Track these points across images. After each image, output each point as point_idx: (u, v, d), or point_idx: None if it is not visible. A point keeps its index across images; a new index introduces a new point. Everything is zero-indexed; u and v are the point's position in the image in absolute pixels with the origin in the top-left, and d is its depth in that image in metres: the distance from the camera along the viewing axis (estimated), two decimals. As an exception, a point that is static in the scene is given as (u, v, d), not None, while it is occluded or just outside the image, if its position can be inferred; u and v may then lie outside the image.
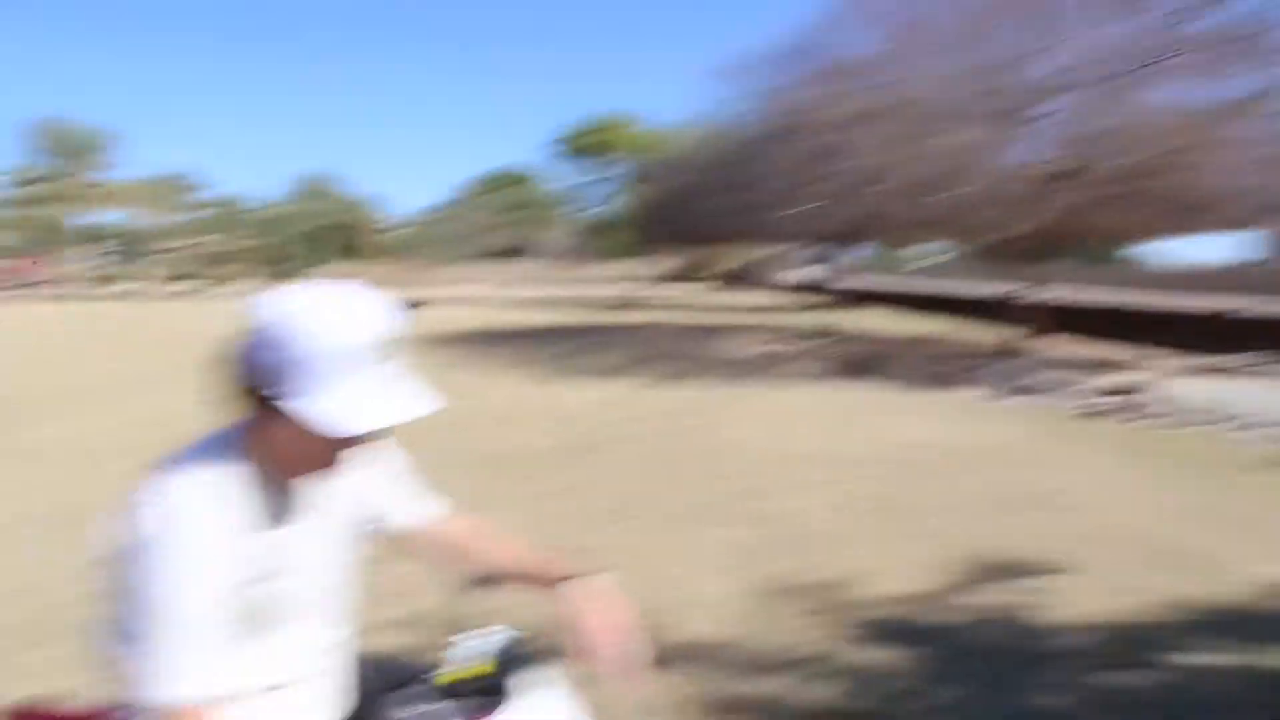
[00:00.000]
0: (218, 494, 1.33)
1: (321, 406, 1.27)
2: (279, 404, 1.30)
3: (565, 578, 1.61)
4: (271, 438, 1.36)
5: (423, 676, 1.50)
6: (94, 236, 62.42)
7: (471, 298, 41.59)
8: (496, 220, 69.91)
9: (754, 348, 17.03)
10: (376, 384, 1.30)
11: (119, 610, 1.32)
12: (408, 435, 5.59)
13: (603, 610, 1.54)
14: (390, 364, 1.33)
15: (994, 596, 4.21)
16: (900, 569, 4.58)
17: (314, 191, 78.17)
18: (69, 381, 12.40)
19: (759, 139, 19.23)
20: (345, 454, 1.37)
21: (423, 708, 1.39)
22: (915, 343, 18.21)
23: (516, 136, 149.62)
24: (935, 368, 13.55)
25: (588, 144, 39.17)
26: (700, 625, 3.87)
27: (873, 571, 4.53)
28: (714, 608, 4.07)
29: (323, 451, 1.35)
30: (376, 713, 1.57)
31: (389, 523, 1.74)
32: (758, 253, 47.28)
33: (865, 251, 42.80)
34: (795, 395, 10.81)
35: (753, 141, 19.62)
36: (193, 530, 1.29)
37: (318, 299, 1.29)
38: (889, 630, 3.81)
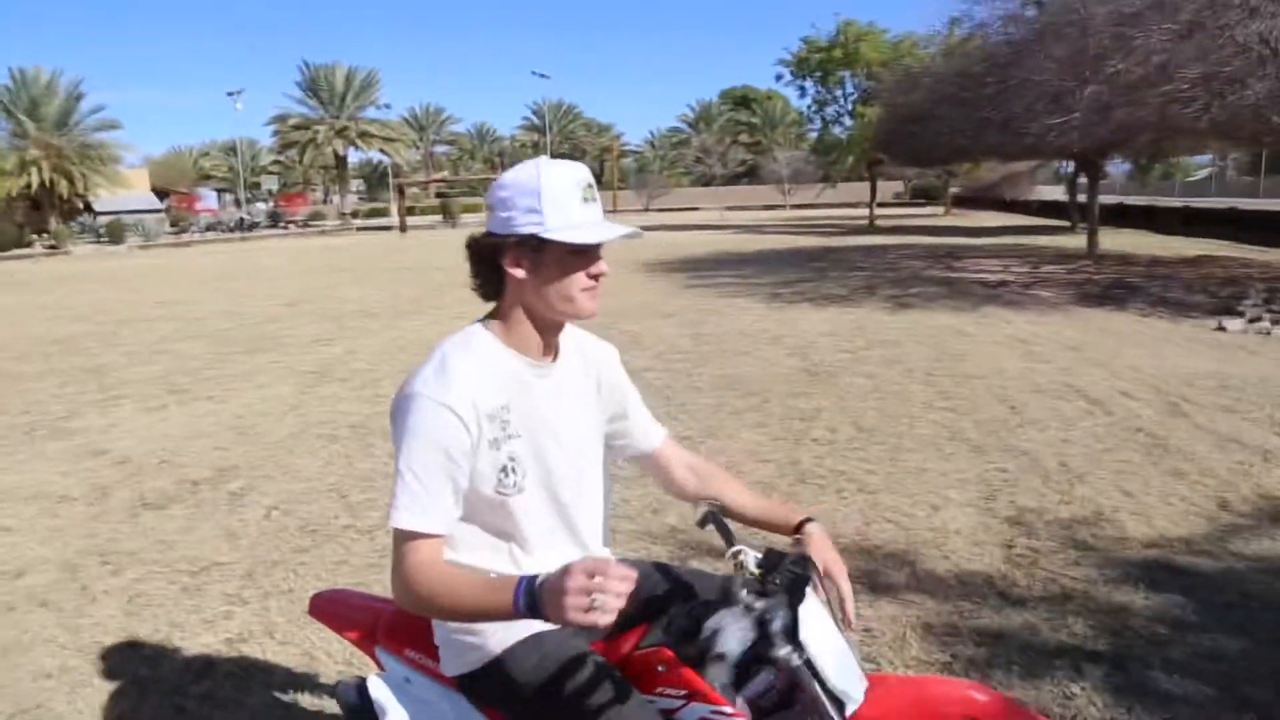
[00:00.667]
0: (473, 363, 1.60)
1: (564, 227, 1.57)
2: (534, 238, 1.57)
3: (804, 521, 1.79)
4: (525, 289, 1.63)
5: (730, 576, 1.63)
6: (353, 174, 67.75)
7: (704, 221, 41.85)
8: (728, 143, 69.44)
9: (1000, 272, 16.12)
10: (595, 215, 1.62)
11: (396, 454, 1.56)
12: (655, 359, 5.96)
13: (831, 554, 1.72)
14: (597, 207, 1.63)
15: (1277, 544, 3.91)
16: (1166, 508, 4.33)
17: (556, 119, 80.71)
18: (336, 309, 13.82)
19: (1011, 45, 17.82)
20: (587, 285, 1.63)
21: (730, 613, 1.49)
22: (1179, 265, 16.53)
23: (748, 57, 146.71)
24: (1202, 293, 12.28)
25: (822, 61, 37.66)
26: (949, 556, 3.88)
27: (1135, 510, 4.32)
28: (964, 539, 4.05)
29: (569, 282, 1.61)
30: (680, 612, 1.72)
31: (628, 439, 1.93)
32: (1003, 170, 44.16)
33: (1123, 165, 38.95)
34: (1045, 322, 10.19)
35: (1004, 49, 18.20)
36: (447, 390, 1.54)
37: (541, 162, 1.62)
38: (1152, 572, 3.64)
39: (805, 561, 1.62)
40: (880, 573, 3.71)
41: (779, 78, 40.96)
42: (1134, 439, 5.48)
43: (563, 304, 1.63)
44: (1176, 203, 32.50)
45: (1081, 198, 25.32)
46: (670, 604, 1.73)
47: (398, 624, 1.92)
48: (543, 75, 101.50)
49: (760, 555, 1.67)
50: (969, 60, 20.80)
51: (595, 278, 1.64)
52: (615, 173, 77.71)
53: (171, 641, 3.38)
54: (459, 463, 1.55)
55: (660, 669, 1.64)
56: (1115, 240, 22.03)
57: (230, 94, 61.15)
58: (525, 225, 1.57)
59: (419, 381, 1.57)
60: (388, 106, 68.94)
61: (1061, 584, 3.56)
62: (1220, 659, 2.97)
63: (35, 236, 42.32)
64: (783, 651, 1.51)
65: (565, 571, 1.32)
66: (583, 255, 1.61)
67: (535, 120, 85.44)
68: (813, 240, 27.12)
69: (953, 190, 49.23)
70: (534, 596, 1.37)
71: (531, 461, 1.65)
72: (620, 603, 1.30)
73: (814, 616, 1.57)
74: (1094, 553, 3.85)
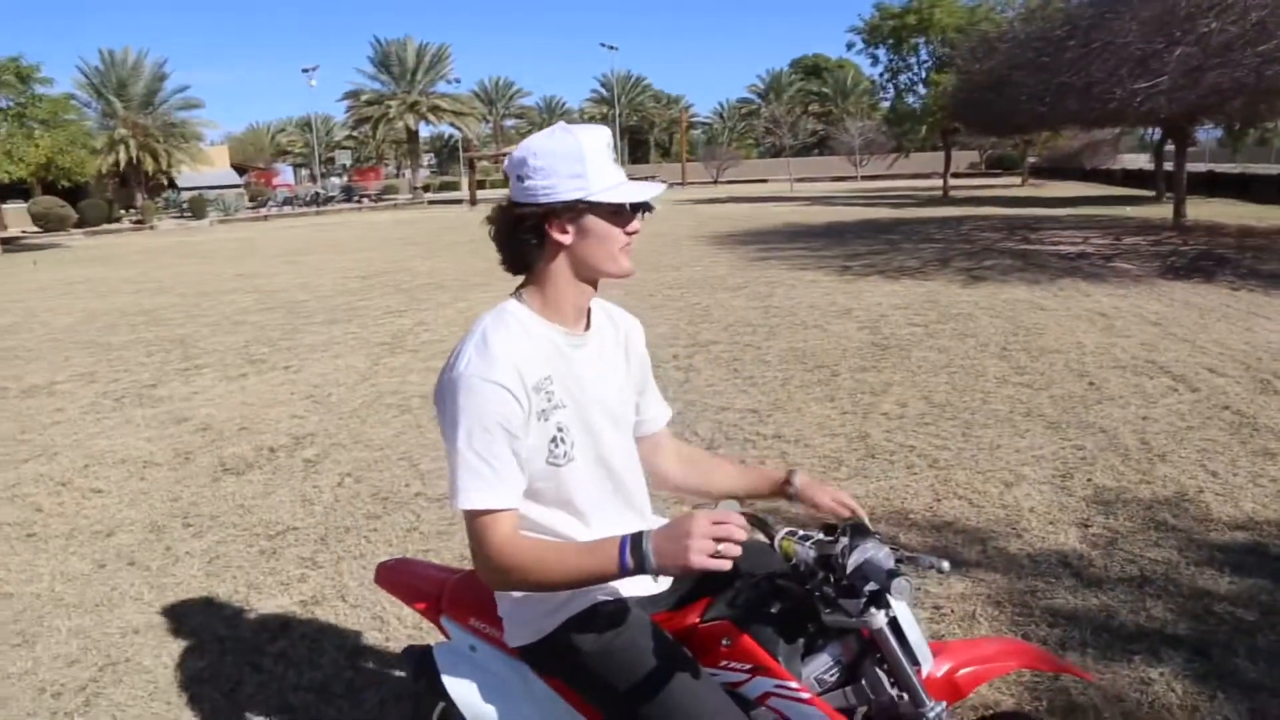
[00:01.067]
0: (513, 338, 1.60)
1: (608, 188, 1.59)
2: (581, 202, 1.58)
3: (788, 475, 1.92)
4: (570, 253, 1.63)
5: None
6: (425, 148, 68.42)
7: (774, 193, 41.39)
8: (798, 113, 68.33)
9: (1079, 244, 15.61)
10: (623, 175, 1.64)
11: (444, 439, 1.58)
12: (723, 332, 5.91)
13: (829, 488, 1.89)
14: (620, 168, 1.64)
15: (1375, 529, 3.72)
16: (1255, 489, 4.15)
17: (624, 91, 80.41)
18: (408, 281, 14.03)
19: (1095, 6, 17.12)
20: (625, 244, 1.65)
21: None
22: (1274, 235, 15.78)
23: (819, 25, 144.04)
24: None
25: (894, 28, 36.70)
26: (1023, 535, 3.79)
27: (1221, 490, 4.16)
28: (1039, 517, 3.95)
29: (612, 240, 1.63)
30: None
31: (640, 416, 1.93)
32: (1083, 138, 42.62)
33: (1213, 132, 37.25)
34: (1126, 295, 9.83)
35: (1088, 10, 17.51)
36: (492, 366, 1.54)
37: (570, 127, 1.62)
38: (1238, 555, 3.51)
39: (860, 526, 1.64)
40: (951, 549, 3.65)
41: (850, 46, 40.29)
42: (1220, 417, 5.27)
43: (608, 263, 1.65)
44: (1273, 170, 30.95)
45: (1169, 166, 24.31)
46: (733, 578, 1.71)
47: (462, 594, 1.95)
48: (610, 47, 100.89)
49: (810, 533, 1.69)
50: (1049, 24, 20.05)
51: (631, 234, 1.66)
52: (684, 144, 77.19)
53: (249, 602, 3.50)
54: (517, 435, 1.55)
55: (725, 643, 1.65)
56: (1204, 210, 21.14)
57: (305, 70, 62.16)
58: (570, 190, 1.58)
59: (462, 362, 1.56)
60: (458, 81, 69.30)
61: (1140, 566, 3.45)
62: (1310, 647, 2.85)
63: (123, 212, 43.89)
64: (869, 611, 1.54)
65: (687, 518, 1.37)
66: (621, 215, 1.63)
67: (603, 92, 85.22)
68: (884, 212, 26.59)
69: (1030, 160, 47.71)
70: (642, 551, 1.41)
71: (579, 431, 1.65)
72: (738, 551, 1.37)
73: (899, 581, 1.56)
74: (1176, 534, 3.72)
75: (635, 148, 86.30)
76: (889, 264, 13.46)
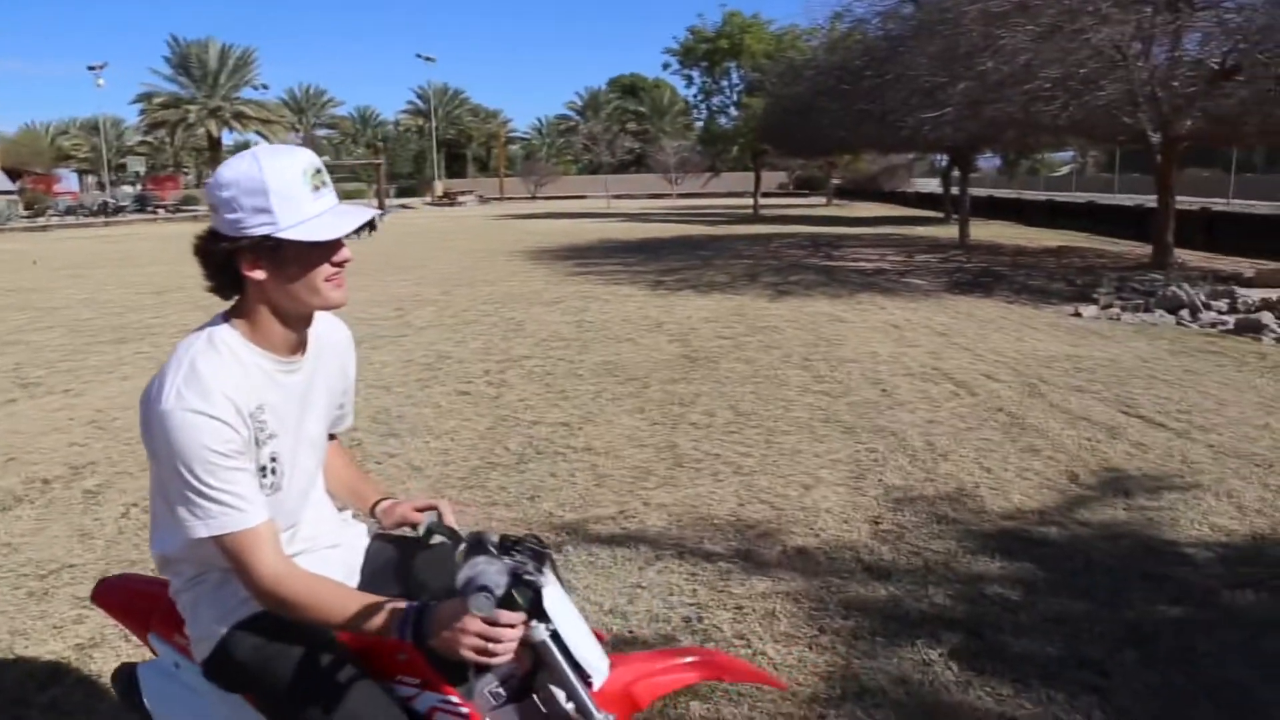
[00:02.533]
0: (224, 366, 1.54)
1: (298, 223, 1.51)
2: (269, 239, 1.51)
3: (374, 504, 2.00)
4: (266, 289, 1.58)
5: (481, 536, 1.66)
6: (229, 156, 64.97)
7: (591, 209, 41.84)
8: (616, 131, 69.49)
9: (877, 260, 16.68)
10: (329, 202, 1.56)
11: (161, 471, 1.53)
12: (536, 347, 5.91)
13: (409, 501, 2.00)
14: (329, 193, 1.58)
15: (1118, 513, 4.18)
16: (1022, 482, 4.57)
17: (440, 104, 79.12)
18: (207, 297, 13.20)
19: (889, 41, 18.44)
20: (332, 275, 1.59)
21: (484, 558, 1.52)
22: (1043, 255, 17.46)
23: (636, 45, 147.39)
24: (1062, 281, 13.02)
25: (708, 51, 38.10)
26: (820, 534, 4.00)
27: (994, 485, 4.55)
28: (834, 516, 4.18)
29: (313, 276, 1.57)
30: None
31: (334, 423, 1.93)
32: (882, 162, 45.64)
33: (992, 160, 40.83)
34: (917, 308, 10.61)
35: (882, 44, 18.82)
36: (204, 398, 1.48)
37: (259, 154, 1.53)
38: (1007, 543, 3.84)
39: (541, 542, 1.65)
40: (753, 552, 3.80)
41: (666, 66, 41.27)
42: (995, 418, 5.76)
43: (310, 297, 1.60)
44: (1041, 196, 34.26)
45: (955, 190, 26.42)
46: (419, 595, 1.73)
47: (170, 608, 1.85)
48: (428, 58, 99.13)
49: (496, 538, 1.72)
50: (849, 54, 21.47)
51: (340, 265, 1.60)
52: (502, 159, 76.82)
53: (14, 650, 3.19)
54: (240, 459, 1.52)
55: (401, 657, 1.67)
56: (985, 231, 23.09)
57: (91, 68, 57.48)
58: (257, 227, 1.50)
59: (170, 394, 1.48)
60: (265, 87, 66.06)
61: (924, 557, 3.72)
62: (1064, 621, 3.16)
63: None
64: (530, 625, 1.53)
65: (460, 614, 1.43)
66: (324, 246, 1.55)
67: (420, 104, 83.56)
68: (698, 229, 27.46)
69: (834, 181, 50.64)
70: (423, 629, 1.48)
71: (288, 459, 1.66)
72: (511, 650, 1.45)
73: (556, 591, 1.60)
74: (955, 526, 4.04)
75: (452, 161, 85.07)
76: (700, 279, 13.91)
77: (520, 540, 1.62)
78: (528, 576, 1.50)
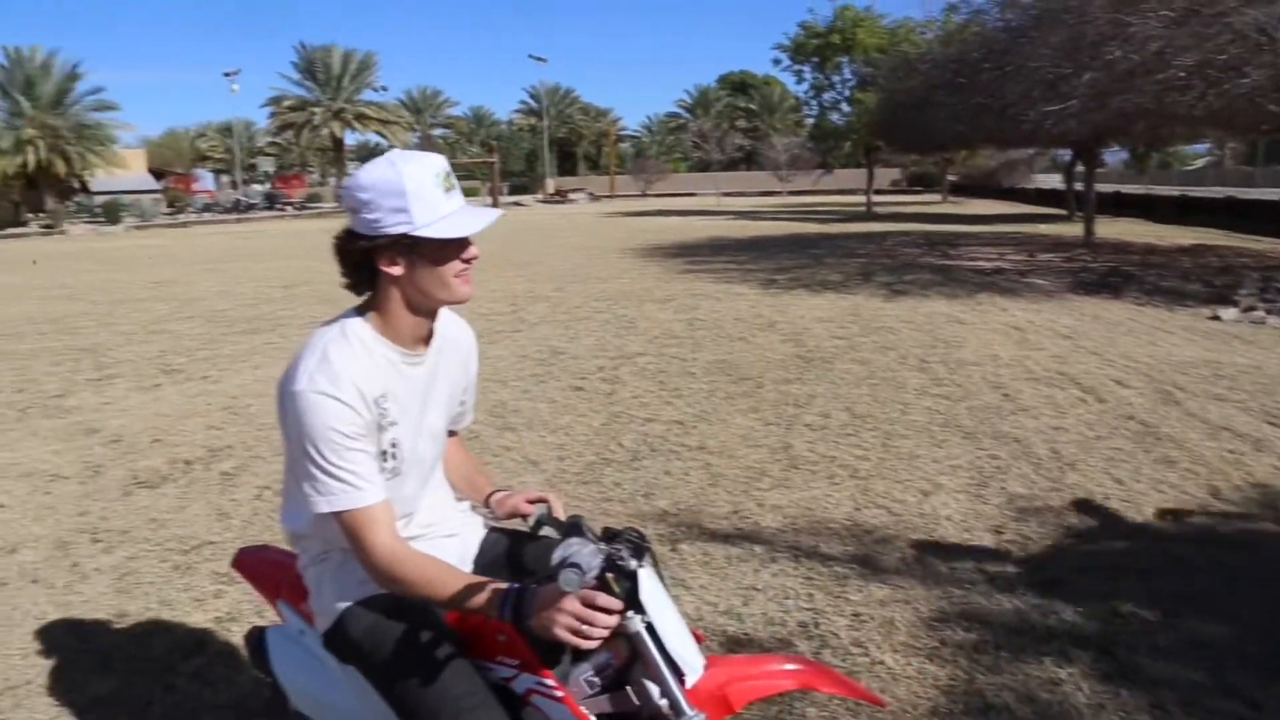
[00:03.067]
0: (353, 355, 1.65)
1: (433, 222, 1.61)
2: (406, 237, 1.60)
3: (489, 496, 2.07)
4: (401, 284, 1.67)
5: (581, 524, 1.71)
6: (351, 156, 67.33)
7: (700, 207, 41.78)
8: (725, 128, 69.20)
9: (996, 259, 16.12)
10: (458, 203, 1.66)
11: (292, 449, 1.65)
12: (649, 344, 5.94)
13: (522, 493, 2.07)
14: (457, 194, 1.67)
15: (1266, 531, 3.92)
16: (1157, 495, 4.34)
17: (552, 104, 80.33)
18: (332, 291, 13.74)
19: (1009, 32, 17.77)
20: (461, 271, 1.68)
21: (578, 540, 1.55)
22: (1176, 254, 16.54)
23: (747, 41, 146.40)
24: (1198, 282, 12.29)
25: (819, 47, 37.47)
26: (938, 541, 3.89)
27: (1125, 497, 4.33)
28: (955, 524, 4.06)
29: (444, 271, 1.66)
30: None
31: (455, 420, 2.02)
32: (1001, 158, 44.11)
33: (1119, 154, 38.94)
34: (1040, 309, 10.20)
35: (1001, 35, 18.15)
36: (334, 383, 1.59)
37: (395, 158, 1.63)
38: (1142, 559, 3.65)
39: (642, 536, 1.67)
40: (870, 557, 3.73)
41: (777, 63, 40.67)
42: (1126, 427, 5.49)
43: (440, 291, 1.69)
44: (1173, 191, 32.48)
45: (1079, 186, 25.32)
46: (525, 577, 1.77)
47: (298, 579, 1.97)
48: (540, 59, 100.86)
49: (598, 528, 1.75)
50: (966, 46, 20.75)
51: (468, 261, 1.70)
52: (612, 157, 77.45)
53: (162, 619, 3.39)
54: (361, 442, 1.62)
55: (501, 638, 1.72)
56: (1112, 229, 22.04)
57: (226, 75, 60.68)
58: (395, 225, 1.60)
59: (303, 377, 1.60)
60: (384, 89, 68.51)
61: (1051, 570, 3.57)
62: (1207, 645, 2.98)
63: (31, 216, 42.12)
64: (625, 616, 1.55)
65: (557, 596, 1.47)
66: (455, 244, 1.65)
67: (532, 104, 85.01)
68: (809, 226, 27.09)
69: (950, 178, 49.18)
70: (522, 610, 1.53)
71: (408, 447, 1.74)
72: (605, 634, 1.49)
73: (653, 584, 1.61)
74: (1084, 539, 3.87)
75: (564, 159, 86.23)
76: (813, 278, 13.71)
77: (620, 532, 1.66)
78: (622, 564, 1.53)
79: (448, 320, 1.87)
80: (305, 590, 1.91)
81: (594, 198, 59.82)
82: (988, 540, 3.88)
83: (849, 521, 4.12)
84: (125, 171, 47.56)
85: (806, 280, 13.41)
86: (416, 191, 1.59)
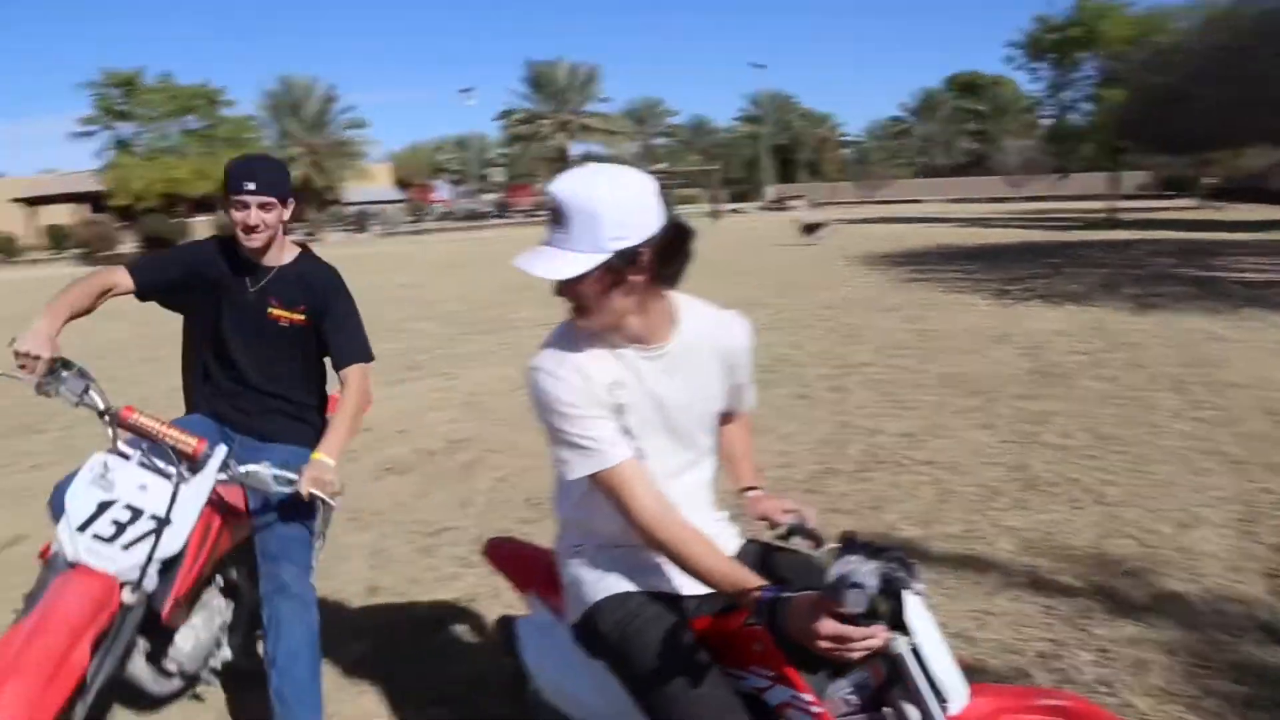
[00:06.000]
0: (589, 339, 1.73)
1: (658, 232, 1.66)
2: (640, 247, 1.64)
3: (753, 486, 2.12)
4: (634, 289, 1.70)
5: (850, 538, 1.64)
6: (575, 166, 70.02)
7: (926, 214, 40.33)
8: (954, 131, 66.37)
9: (1265, 271, 14.47)
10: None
11: (544, 428, 1.74)
12: (875, 354, 5.78)
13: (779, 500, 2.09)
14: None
15: None
16: None
17: (771, 110, 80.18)
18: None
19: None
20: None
21: (857, 557, 1.47)
22: None
23: (975, 40, 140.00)
24: None
25: (1057, 42, 35.10)
26: (1200, 580, 3.53)
27: None
28: (1220, 563, 3.67)
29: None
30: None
31: (729, 400, 2.00)
32: (1269, 158, 39.54)
33: None
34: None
35: (1272, 18, 16.29)
36: (571, 357, 1.71)
37: (617, 175, 1.67)
38: None
39: (906, 555, 1.57)
40: (1118, 591, 3.44)
41: (1009, 61, 38.65)
42: None
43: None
44: None
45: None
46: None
47: (550, 572, 2.04)
48: (759, 65, 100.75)
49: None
50: (1236, 32, 18.76)
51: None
52: (832, 164, 76.14)
53: (409, 596, 3.66)
54: (594, 410, 1.69)
55: (756, 648, 1.69)
56: None
57: (461, 91, 65.02)
58: (647, 230, 1.65)
59: (537, 359, 1.73)
60: (608, 100, 70.75)
61: (1337, 621, 3.16)
62: None
63: (293, 225, 46.94)
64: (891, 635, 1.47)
65: (820, 606, 1.43)
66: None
67: (752, 111, 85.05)
68: (1045, 234, 25.41)
69: (1209, 180, 44.66)
70: (777, 615, 1.51)
71: (641, 434, 1.75)
72: (865, 652, 1.44)
73: (919, 605, 1.52)
74: (1381, 589, 3.39)
75: (783, 166, 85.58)
76: (1050, 289, 12.86)
77: (886, 549, 1.58)
78: (897, 582, 1.47)
79: (703, 314, 1.88)
80: (557, 583, 1.99)
81: (814, 205, 59.07)
82: (1260, 586, 3.48)
83: (1093, 550, 3.82)
84: (373, 184, 51.96)
85: (1043, 291, 12.59)
86: (644, 204, 1.67)
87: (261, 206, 2.58)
